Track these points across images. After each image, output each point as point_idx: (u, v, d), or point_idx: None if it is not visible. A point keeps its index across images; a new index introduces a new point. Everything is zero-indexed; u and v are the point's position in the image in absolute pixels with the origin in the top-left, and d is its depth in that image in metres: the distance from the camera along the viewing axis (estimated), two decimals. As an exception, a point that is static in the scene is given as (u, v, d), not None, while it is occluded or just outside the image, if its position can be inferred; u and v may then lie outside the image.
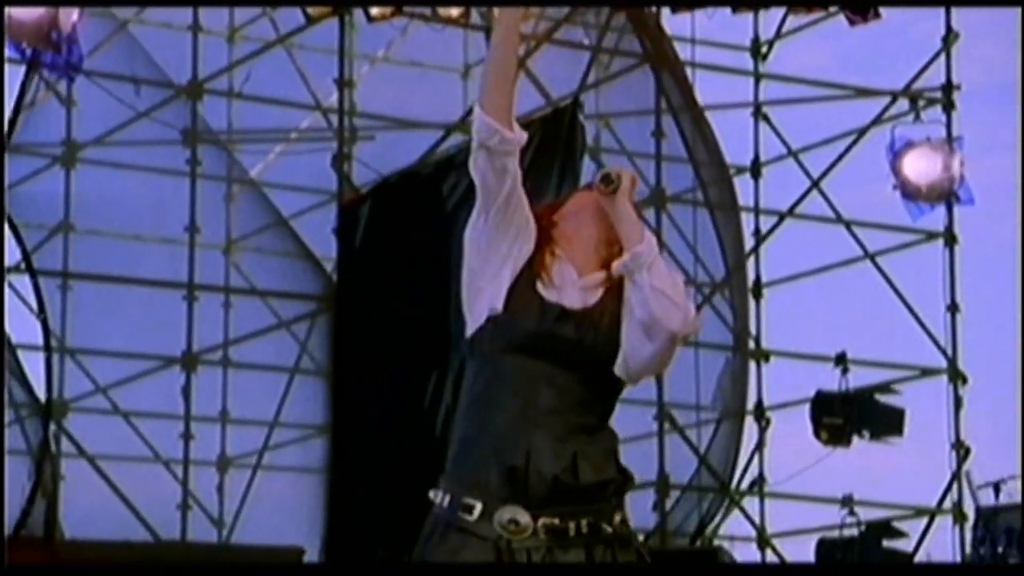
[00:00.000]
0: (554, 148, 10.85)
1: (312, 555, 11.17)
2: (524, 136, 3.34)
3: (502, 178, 3.33)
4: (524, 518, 3.16)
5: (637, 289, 3.27)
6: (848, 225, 12.92)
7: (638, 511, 12.14)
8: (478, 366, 3.30)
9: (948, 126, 12.70)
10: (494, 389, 3.24)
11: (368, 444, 10.76)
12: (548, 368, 3.24)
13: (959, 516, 12.37)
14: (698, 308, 12.45)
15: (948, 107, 12.79)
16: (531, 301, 3.29)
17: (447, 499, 3.22)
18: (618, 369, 3.36)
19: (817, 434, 12.06)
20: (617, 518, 3.32)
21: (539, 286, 3.32)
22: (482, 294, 3.34)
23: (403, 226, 11.56)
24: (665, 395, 12.18)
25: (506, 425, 3.20)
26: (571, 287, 3.34)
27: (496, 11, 3.35)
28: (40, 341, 11.79)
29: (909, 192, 12.41)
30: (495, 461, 3.18)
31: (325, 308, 12.33)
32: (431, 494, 3.24)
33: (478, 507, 3.17)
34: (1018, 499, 11.62)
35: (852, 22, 12.27)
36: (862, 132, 12.88)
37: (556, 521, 3.18)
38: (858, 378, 12.34)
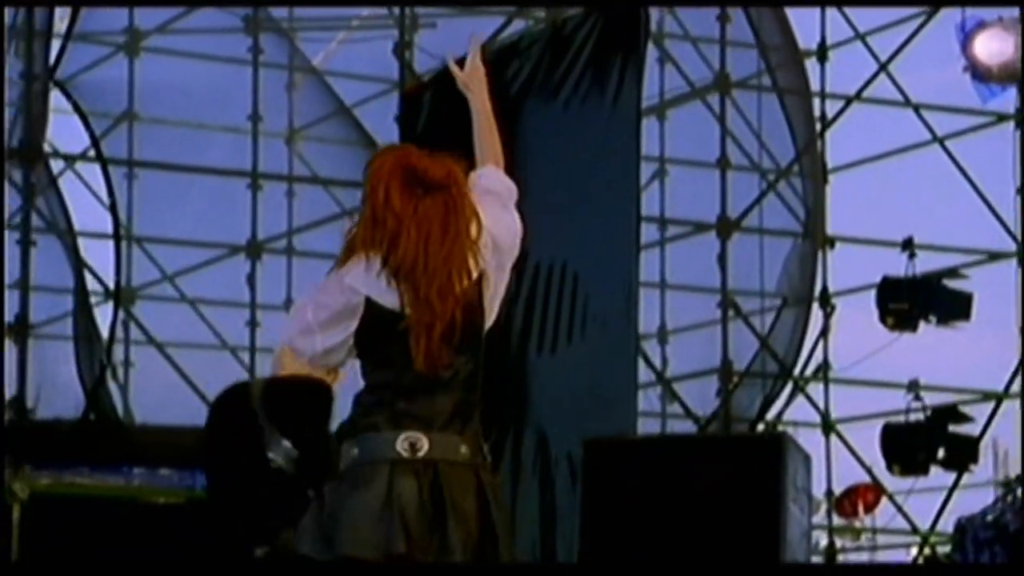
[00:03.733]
0: (615, 36, 10.72)
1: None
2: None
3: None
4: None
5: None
6: (916, 109, 12.72)
7: (701, 398, 12.19)
8: None
9: (1021, 4, 12.40)
10: None
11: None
12: None
13: (1026, 401, 12.30)
14: (763, 195, 12.37)
15: (1022, -16, 12.49)
16: None
17: None
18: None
19: (883, 319, 11.98)
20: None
21: None
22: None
23: (465, 114, 11.49)
24: (729, 282, 12.14)
25: None
26: None
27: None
28: (107, 229, 11.91)
29: (980, 74, 12.17)
30: None
31: (388, 197, 12.31)
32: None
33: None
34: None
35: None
36: (932, 12, 12.62)
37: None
38: (925, 263, 12.23)
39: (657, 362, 12.37)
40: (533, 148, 10.71)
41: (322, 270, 13.65)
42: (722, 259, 12.13)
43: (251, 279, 12.20)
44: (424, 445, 3.71)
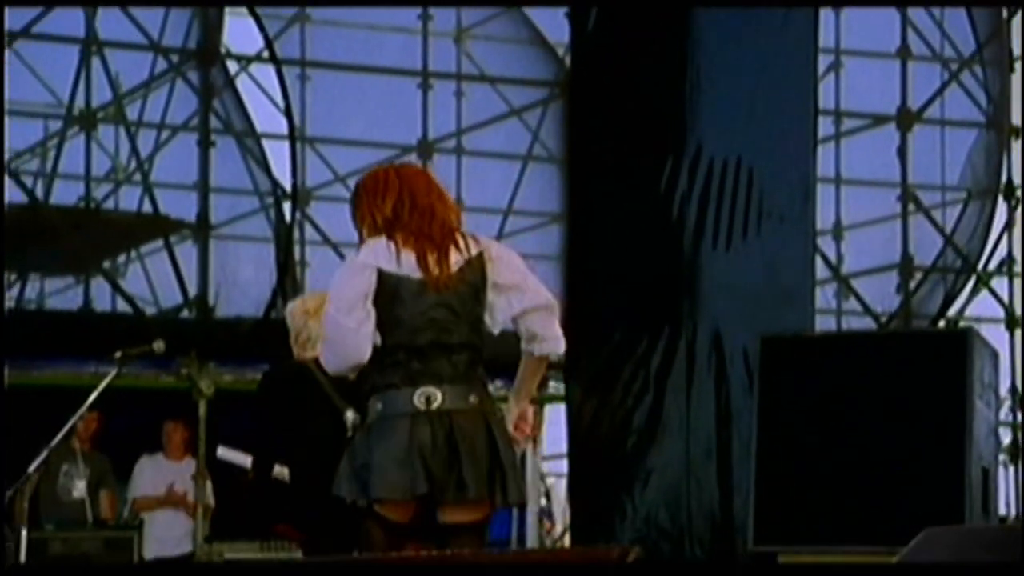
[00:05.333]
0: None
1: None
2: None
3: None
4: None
5: None
6: (1109, -9, 12.18)
7: (879, 294, 11.96)
8: None
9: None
10: None
11: (605, 229, 10.73)
12: None
13: None
14: (945, 85, 12.00)
15: None
16: None
17: None
18: None
19: (1071, 211, 11.59)
20: None
21: None
22: None
23: (636, 7, 11.30)
24: (909, 176, 11.84)
25: None
26: None
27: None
28: (281, 130, 12.04)
29: None
30: None
31: (558, 94, 12.24)
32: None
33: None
34: None
35: None
36: None
37: None
38: (1116, 153, 11.78)
39: (832, 258, 12.15)
40: (706, 42, 10.49)
41: (491, 169, 13.59)
42: (902, 152, 11.84)
43: (423, 178, 12.23)
44: (438, 398, 4.21)
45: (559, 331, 4.36)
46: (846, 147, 12.42)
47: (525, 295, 4.31)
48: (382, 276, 4.24)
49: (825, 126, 11.95)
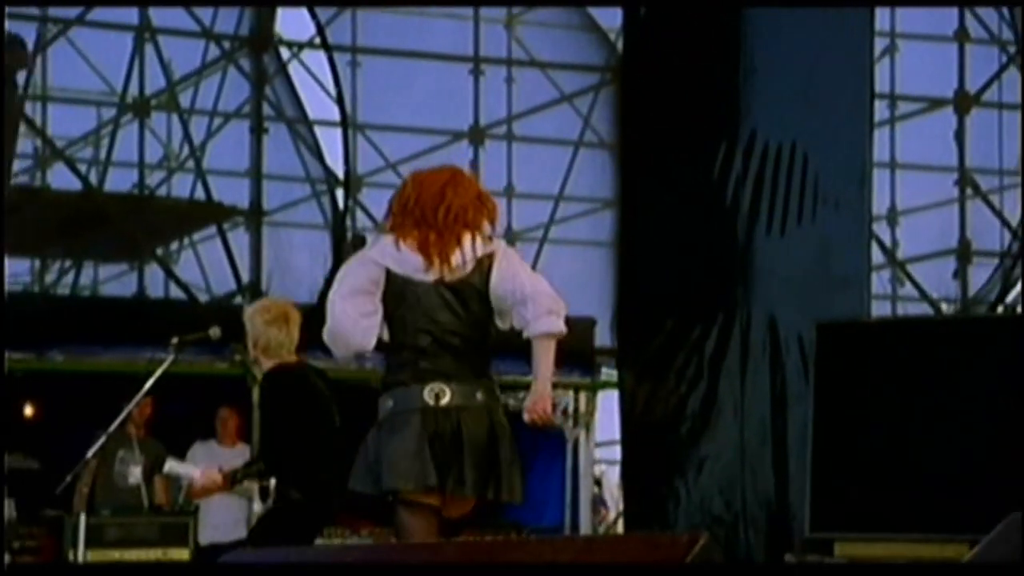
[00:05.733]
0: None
1: (603, 325, 11.26)
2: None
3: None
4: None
5: None
6: None
7: (936, 280, 11.83)
8: None
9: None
10: None
11: (658, 215, 10.67)
12: None
13: None
14: (1003, 68, 11.85)
15: None
16: None
17: None
18: None
19: None
20: None
21: None
22: None
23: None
24: (967, 160, 11.71)
25: None
26: None
27: None
28: (331, 117, 12.04)
29: None
30: None
31: (610, 80, 12.17)
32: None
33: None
34: None
35: None
36: None
37: None
38: None
39: (888, 244, 12.04)
40: (760, 26, 10.41)
41: (542, 155, 13.48)
42: (960, 136, 11.70)
43: (474, 165, 12.22)
44: (447, 394, 4.38)
45: (550, 310, 4.47)
46: (902, 131, 12.29)
47: (524, 287, 4.44)
48: (390, 276, 4.44)
49: (880, 110, 11.84)
